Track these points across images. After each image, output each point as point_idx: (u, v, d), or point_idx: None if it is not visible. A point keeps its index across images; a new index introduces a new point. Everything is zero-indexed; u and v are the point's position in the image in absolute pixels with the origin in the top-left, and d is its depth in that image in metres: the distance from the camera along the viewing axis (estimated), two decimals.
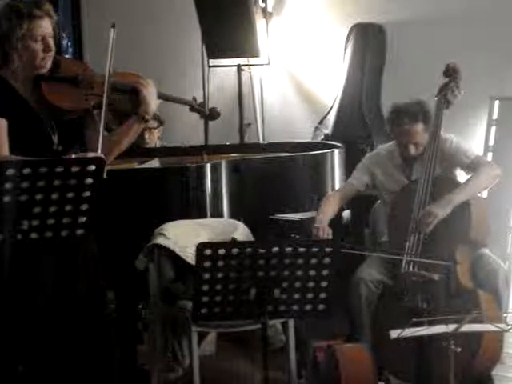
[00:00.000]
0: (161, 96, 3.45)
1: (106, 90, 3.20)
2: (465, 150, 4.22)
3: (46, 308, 3.16)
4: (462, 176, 4.30)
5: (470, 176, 4.18)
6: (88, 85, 3.29)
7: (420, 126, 4.19)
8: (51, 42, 3.20)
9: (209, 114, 3.76)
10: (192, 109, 3.68)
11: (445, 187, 4.10)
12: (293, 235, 4.45)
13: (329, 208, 4.31)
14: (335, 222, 4.47)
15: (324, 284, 3.03)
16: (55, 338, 3.19)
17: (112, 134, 3.43)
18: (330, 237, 4.11)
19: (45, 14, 3.18)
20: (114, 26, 3.22)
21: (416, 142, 4.21)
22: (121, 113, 3.47)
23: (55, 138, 3.24)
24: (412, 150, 4.23)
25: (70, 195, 2.72)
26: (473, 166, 4.16)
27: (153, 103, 3.34)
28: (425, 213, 3.97)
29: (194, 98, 3.69)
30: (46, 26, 3.18)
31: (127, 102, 3.37)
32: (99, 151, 3.08)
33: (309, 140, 5.82)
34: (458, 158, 4.21)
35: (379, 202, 4.53)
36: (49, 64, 3.22)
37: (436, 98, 4.23)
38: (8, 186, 2.63)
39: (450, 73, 4.25)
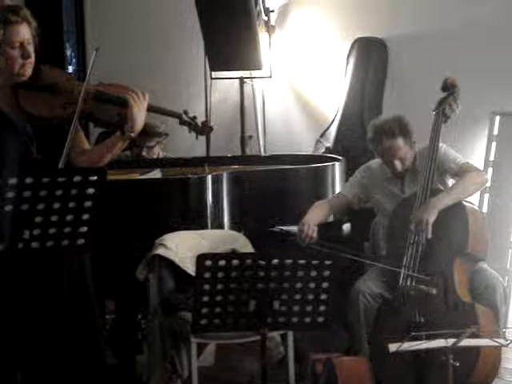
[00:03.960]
0: (148, 108, 3.36)
1: (79, 104, 3.14)
2: (453, 157, 4.21)
3: (35, 316, 3.14)
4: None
5: (456, 181, 4.17)
6: (68, 93, 3.23)
7: (400, 141, 4.18)
8: (30, 48, 3.15)
9: (200, 128, 3.57)
10: (182, 122, 3.55)
11: None
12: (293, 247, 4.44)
13: (315, 213, 4.24)
14: (335, 235, 4.48)
15: (323, 297, 3.04)
16: (48, 346, 3.18)
17: (94, 149, 3.39)
18: (315, 234, 4.08)
19: (22, 19, 3.12)
20: (97, 50, 3.21)
21: (400, 157, 4.21)
22: (103, 123, 3.39)
23: (33, 147, 3.20)
24: (398, 166, 4.21)
25: (72, 205, 2.72)
26: (461, 173, 4.14)
27: (140, 121, 3.28)
28: (415, 221, 3.94)
29: (185, 111, 3.56)
30: (23, 32, 3.13)
31: (113, 113, 3.30)
32: (62, 159, 3.03)
33: (310, 153, 5.83)
34: (447, 165, 4.19)
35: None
36: (28, 72, 3.18)
37: (434, 113, 4.24)
38: (10, 195, 2.64)
39: (448, 87, 4.26)
